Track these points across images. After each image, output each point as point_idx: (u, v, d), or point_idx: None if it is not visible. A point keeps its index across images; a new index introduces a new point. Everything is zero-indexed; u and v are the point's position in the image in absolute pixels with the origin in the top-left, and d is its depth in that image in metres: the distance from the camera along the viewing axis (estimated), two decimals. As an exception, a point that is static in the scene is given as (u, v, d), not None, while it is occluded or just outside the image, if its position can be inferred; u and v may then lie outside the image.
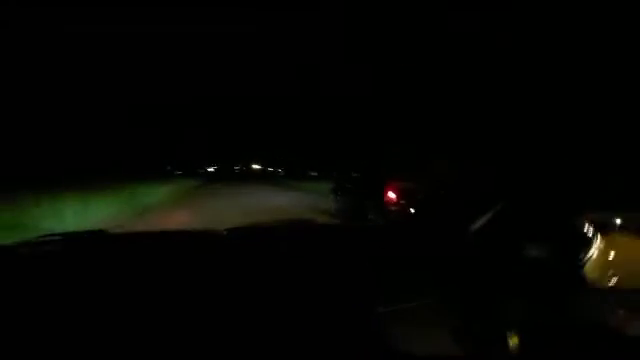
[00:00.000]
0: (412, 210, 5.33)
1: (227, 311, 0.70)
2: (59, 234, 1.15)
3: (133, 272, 0.90)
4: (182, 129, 45.35)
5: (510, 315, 0.75)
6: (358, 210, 6.53)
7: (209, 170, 61.06)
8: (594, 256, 1.00)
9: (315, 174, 35.51)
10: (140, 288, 0.79)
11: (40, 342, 0.59)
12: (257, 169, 64.28)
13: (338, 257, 1.05)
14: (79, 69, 20.61)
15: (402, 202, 5.51)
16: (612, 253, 1.09)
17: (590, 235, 1.07)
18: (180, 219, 7.45)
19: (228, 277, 0.87)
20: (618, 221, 1.51)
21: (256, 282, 0.83)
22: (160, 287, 0.80)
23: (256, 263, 0.97)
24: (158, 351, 0.58)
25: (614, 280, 1.00)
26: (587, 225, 1.10)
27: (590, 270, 0.98)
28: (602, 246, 1.03)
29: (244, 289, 0.80)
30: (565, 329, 0.72)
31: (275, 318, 0.68)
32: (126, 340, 0.61)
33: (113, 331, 0.63)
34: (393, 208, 5.60)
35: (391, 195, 5.66)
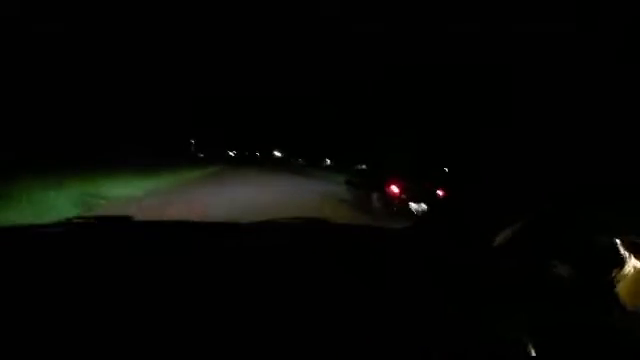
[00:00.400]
0: (414, 205, 6.13)
1: (239, 306, 0.71)
2: (88, 217, 1.20)
3: (155, 259, 0.92)
4: (210, 116, 47.05)
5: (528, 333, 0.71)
6: (365, 201, 7.39)
7: (230, 154, 63.61)
8: (628, 276, 0.96)
9: (331, 163, 36.35)
10: (160, 276, 0.81)
11: (64, 322, 0.62)
12: (278, 156, 65.10)
13: (349, 258, 1.06)
14: (125, 55, 21.98)
15: (403, 196, 6.35)
16: None
17: (624, 255, 1.03)
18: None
19: (243, 271, 0.89)
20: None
21: (269, 278, 0.85)
22: (179, 277, 0.81)
23: (271, 259, 1.00)
24: (177, 338, 0.59)
25: None
26: (621, 245, 1.07)
27: (623, 291, 0.94)
28: (637, 266, 1.00)
29: (258, 283, 0.81)
30: (593, 348, 0.71)
31: (282, 314, 0.69)
32: (147, 324, 0.63)
33: (134, 314, 0.65)
34: (395, 201, 6.39)
35: (394, 189, 6.43)
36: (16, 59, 13.97)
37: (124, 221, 1.23)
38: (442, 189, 6.35)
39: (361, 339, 0.62)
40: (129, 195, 7.50)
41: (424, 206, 6.15)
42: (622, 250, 1.02)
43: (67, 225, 1.14)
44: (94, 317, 0.62)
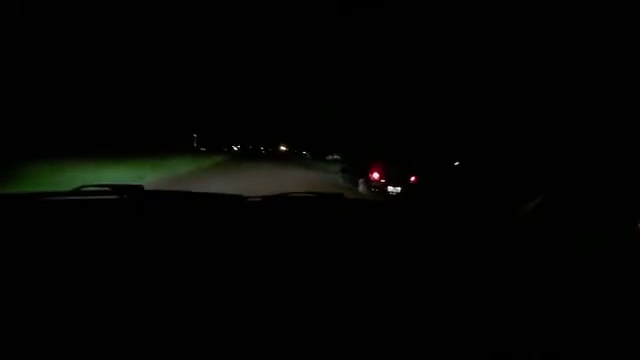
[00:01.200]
0: (391, 188, 7.68)
1: (254, 278, 0.71)
2: (100, 185, 1.23)
3: (168, 229, 0.94)
4: (213, 110, 46.91)
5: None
6: (354, 185, 9.03)
7: (234, 149, 62.97)
8: None
9: (336, 157, 37.72)
10: (173, 246, 0.83)
11: (73, 287, 0.63)
12: (284, 150, 65.73)
13: (367, 232, 1.08)
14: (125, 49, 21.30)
15: (383, 181, 8.00)
16: None
17: None
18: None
19: (259, 243, 0.90)
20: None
21: (285, 249, 0.86)
22: (192, 247, 0.83)
23: (289, 232, 1.02)
24: (185, 308, 0.60)
25: None
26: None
27: None
28: None
29: (274, 255, 0.82)
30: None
31: (298, 289, 0.69)
32: (154, 291, 0.64)
33: (143, 281, 0.67)
34: (376, 184, 7.98)
35: (375, 176, 8.04)
36: (15, 59, 13.79)
37: (136, 189, 1.24)
38: (415, 175, 8.19)
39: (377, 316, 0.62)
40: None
41: (399, 189, 7.77)
42: None
43: (79, 192, 1.16)
44: (103, 284, 0.64)
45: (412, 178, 7.96)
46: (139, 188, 1.26)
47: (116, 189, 1.22)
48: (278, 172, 14.26)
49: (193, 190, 1.36)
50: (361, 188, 8.46)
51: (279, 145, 69.17)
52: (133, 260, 0.73)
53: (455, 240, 1.05)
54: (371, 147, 10.87)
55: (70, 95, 17.10)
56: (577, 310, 0.70)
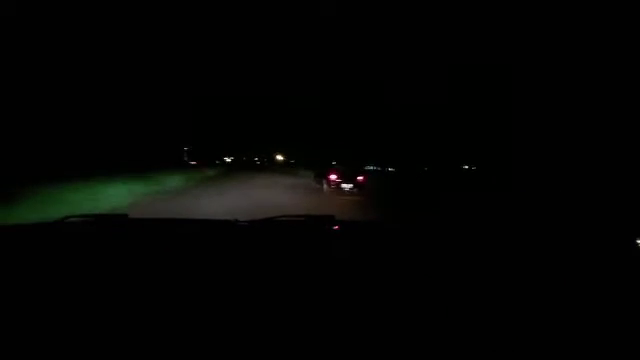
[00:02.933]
0: (346, 185, 11.32)
1: (240, 301, 0.73)
2: (84, 215, 1.26)
3: (154, 257, 0.96)
4: (204, 121, 47.31)
5: None
6: (320, 185, 12.91)
7: (227, 160, 63.49)
8: None
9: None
10: (159, 273, 0.84)
11: (58, 316, 0.64)
12: (281, 160, 66.77)
13: (359, 256, 1.09)
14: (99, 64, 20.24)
15: (338, 180, 11.67)
16: None
17: None
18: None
19: (245, 267, 0.92)
20: None
21: (271, 273, 0.89)
22: (178, 274, 0.84)
23: (274, 256, 1.03)
24: (172, 334, 0.60)
25: None
26: None
27: None
28: None
29: (260, 279, 0.84)
30: None
31: (284, 310, 0.71)
32: (142, 320, 0.64)
33: (131, 309, 0.67)
34: (333, 184, 11.76)
35: (332, 177, 11.86)
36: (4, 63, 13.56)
37: (120, 219, 1.28)
38: (363, 175, 12.06)
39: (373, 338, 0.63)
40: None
41: (351, 185, 11.49)
42: None
43: (63, 223, 1.19)
44: (88, 314, 0.65)
45: (360, 177, 11.80)
46: (123, 217, 1.30)
47: (100, 219, 1.27)
48: (271, 178, 17.86)
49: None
50: (324, 187, 12.11)
51: (275, 155, 69.92)
52: (119, 294, 0.73)
53: (443, 258, 1.10)
54: (329, 157, 15.34)
55: (61, 113, 17.02)
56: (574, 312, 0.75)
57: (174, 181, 13.15)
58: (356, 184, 11.54)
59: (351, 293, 0.80)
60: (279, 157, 68.62)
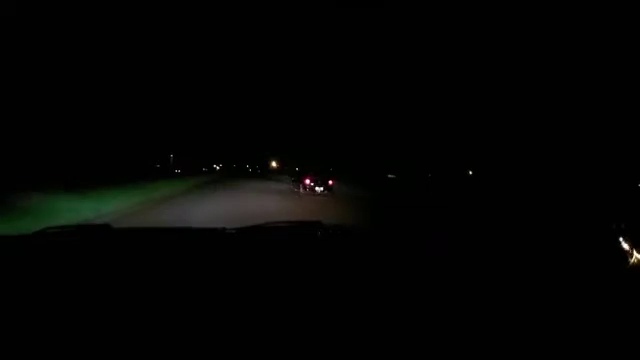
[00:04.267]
0: (317, 188, 13.96)
1: (229, 309, 0.74)
2: (67, 226, 1.26)
3: (137, 267, 0.97)
4: (195, 126, 46.50)
5: None
6: (298, 188, 15.51)
7: (216, 168, 62.31)
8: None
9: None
10: (143, 283, 0.85)
11: (43, 330, 0.64)
12: (275, 167, 66.36)
13: (347, 260, 1.14)
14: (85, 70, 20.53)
15: (312, 184, 14.37)
16: None
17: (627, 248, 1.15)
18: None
19: (234, 275, 0.94)
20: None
21: (260, 280, 0.90)
22: (164, 283, 0.86)
23: (264, 263, 1.06)
24: (156, 347, 0.61)
25: None
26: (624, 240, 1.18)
27: None
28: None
29: (249, 287, 0.86)
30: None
31: (275, 316, 0.72)
32: (127, 332, 0.65)
33: (115, 322, 0.67)
34: (308, 187, 14.54)
35: (307, 181, 14.66)
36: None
37: (102, 229, 1.28)
38: (332, 179, 14.95)
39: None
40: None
41: (322, 188, 14.24)
42: (624, 243, 1.16)
43: (44, 234, 1.19)
44: (68, 327, 0.65)
45: (329, 182, 14.87)
46: (106, 227, 1.29)
47: (81, 229, 1.28)
48: (256, 184, 20.23)
49: None
50: (300, 189, 14.72)
51: (270, 162, 68.44)
52: (99, 306, 0.73)
53: (421, 261, 1.15)
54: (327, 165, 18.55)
55: (48, 123, 17.39)
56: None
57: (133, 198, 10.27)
58: (326, 187, 14.73)
59: (341, 298, 0.82)
60: (274, 164, 67.87)
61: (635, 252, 1.16)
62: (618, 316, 0.81)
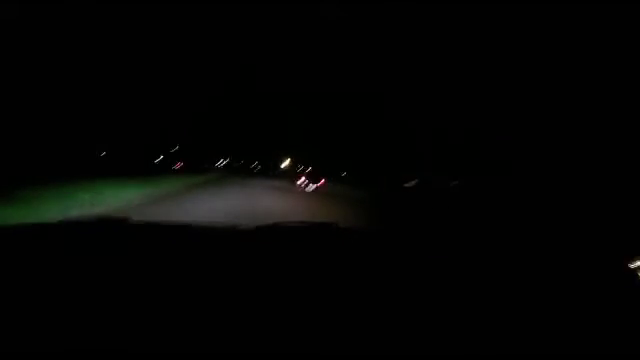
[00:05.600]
0: (310, 186, 15.30)
1: (242, 307, 0.76)
2: (83, 216, 1.31)
3: (154, 260, 1.00)
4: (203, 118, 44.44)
5: None
6: (293, 185, 17.66)
7: (220, 164, 58.61)
8: None
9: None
10: (160, 280, 0.87)
11: (49, 320, 0.66)
12: (288, 166, 62.65)
13: (362, 264, 1.16)
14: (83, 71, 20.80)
15: (305, 182, 17.00)
16: None
17: None
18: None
19: (251, 273, 0.97)
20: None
21: (278, 282, 0.92)
22: (180, 282, 0.87)
23: (280, 262, 1.09)
24: (174, 340, 0.63)
25: None
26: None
27: None
28: None
29: (266, 285, 0.89)
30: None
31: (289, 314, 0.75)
32: (142, 323, 0.68)
33: (130, 313, 0.70)
34: (302, 185, 17.07)
35: (300, 180, 17.73)
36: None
37: (121, 221, 1.33)
38: (323, 179, 16.87)
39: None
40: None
41: (313, 186, 16.29)
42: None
43: (62, 224, 1.23)
44: (88, 317, 0.68)
45: (321, 181, 17.19)
46: (124, 220, 1.33)
47: (100, 221, 1.30)
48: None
49: None
50: (295, 186, 16.87)
51: (284, 160, 62.76)
52: (118, 296, 0.76)
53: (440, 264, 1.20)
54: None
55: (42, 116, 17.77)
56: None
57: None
58: (317, 186, 16.95)
59: (355, 300, 0.85)
60: (286, 162, 63.70)
61: None
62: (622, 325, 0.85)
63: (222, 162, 64.00)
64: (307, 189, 16.25)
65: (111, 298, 0.75)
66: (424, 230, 7.63)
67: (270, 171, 65.11)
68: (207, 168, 38.11)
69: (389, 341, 0.70)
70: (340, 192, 17.09)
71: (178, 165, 33.20)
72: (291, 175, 21.98)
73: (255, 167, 68.57)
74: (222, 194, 11.41)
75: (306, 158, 61.97)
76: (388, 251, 1.41)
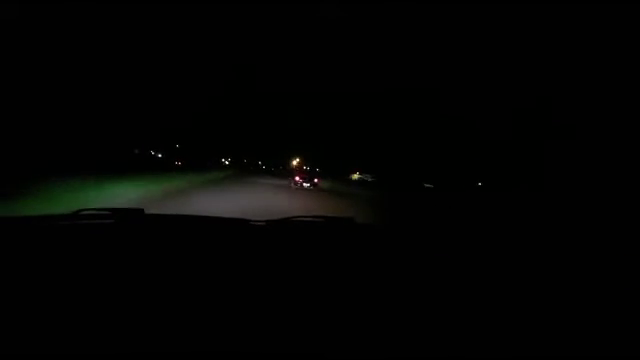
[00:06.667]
0: (305, 184, 17.34)
1: (256, 300, 0.79)
2: (99, 208, 1.32)
3: (169, 254, 1.02)
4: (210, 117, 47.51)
5: None
6: (291, 183, 19.71)
7: (225, 163, 59.34)
8: None
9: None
10: (174, 271, 0.90)
11: (72, 311, 0.69)
12: (297, 166, 58.38)
13: (379, 256, 1.19)
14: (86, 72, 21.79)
15: (301, 181, 19.14)
16: None
17: None
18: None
19: (266, 266, 1.00)
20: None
21: (291, 276, 0.95)
22: (194, 273, 0.90)
23: (291, 256, 1.11)
24: (189, 332, 0.66)
25: None
26: None
27: None
28: None
29: (279, 282, 0.91)
30: None
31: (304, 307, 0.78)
32: (155, 315, 0.70)
33: (145, 303, 0.74)
34: (297, 183, 19.17)
35: (297, 178, 19.56)
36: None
37: (136, 213, 1.37)
38: (317, 178, 20.14)
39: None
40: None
41: (309, 184, 18.82)
42: None
43: (78, 215, 1.27)
44: (101, 307, 0.70)
45: (316, 180, 19.59)
46: (139, 211, 1.37)
47: (116, 213, 1.33)
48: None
49: None
50: (292, 185, 18.70)
51: (292, 160, 65.46)
52: (133, 286, 0.79)
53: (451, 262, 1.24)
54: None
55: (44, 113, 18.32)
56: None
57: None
58: (313, 184, 19.25)
59: (370, 296, 0.86)
60: (295, 163, 64.73)
61: None
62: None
63: (225, 161, 65.27)
64: (305, 186, 18.66)
65: (128, 288, 0.78)
66: (438, 228, 8.03)
67: (272, 169, 66.93)
68: (209, 166, 38.13)
69: (409, 338, 0.72)
70: (346, 191, 19.07)
71: (177, 163, 32.93)
72: (291, 174, 24.42)
73: (259, 166, 69.65)
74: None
75: (310, 158, 64.55)
76: (406, 248, 1.44)
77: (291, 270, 0.99)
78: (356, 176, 47.32)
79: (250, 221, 1.45)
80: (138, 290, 0.78)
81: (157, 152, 38.47)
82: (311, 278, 0.95)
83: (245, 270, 0.95)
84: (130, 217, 1.35)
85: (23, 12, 16.76)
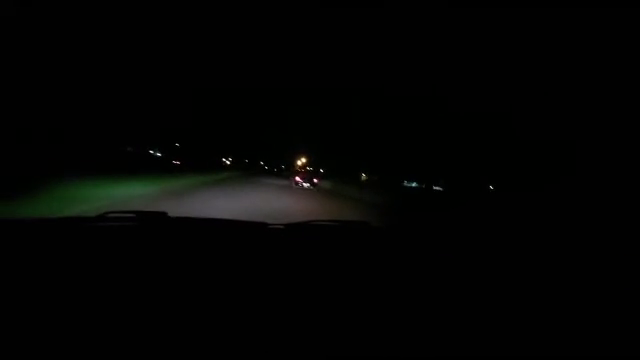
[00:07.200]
0: (305, 184, 18.67)
1: (279, 301, 0.81)
2: (125, 211, 1.37)
3: (192, 256, 1.06)
4: (208, 115, 45.06)
5: None
6: (291, 183, 20.99)
7: (226, 163, 57.90)
8: None
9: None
10: (197, 273, 0.93)
11: (97, 311, 0.71)
12: (302, 166, 63.41)
13: (394, 265, 1.20)
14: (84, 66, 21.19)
15: (301, 181, 20.51)
16: None
17: None
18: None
19: (281, 270, 1.02)
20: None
21: (310, 279, 0.98)
22: (216, 275, 0.93)
23: (313, 260, 1.14)
24: (209, 332, 0.68)
25: None
26: None
27: None
28: None
29: (299, 285, 0.93)
30: None
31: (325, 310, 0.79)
32: (179, 314, 0.73)
33: (167, 303, 0.76)
34: (298, 183, 20.45)
35: (297, 178, 21.06)
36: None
37: (159, 216, 1.41)
38: (317, 178, 22.06)
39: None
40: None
41: (309, 184, 19.97)
42: None
43: (104, 217, 1.30)
44: (129, 308, 0.73)
45: (315, 180, 20.63)
46: (163, 214, 1.42)
47: (141, 215, 1.38)
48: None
49: None
50: (293, 185, 19.84)
51: (297, 160, 64.49)
52: (158, 288, 0.82)
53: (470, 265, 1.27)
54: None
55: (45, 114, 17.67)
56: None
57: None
58: (312, 184, 20.19)
59: (388, 300, 0.88)
60: (300, 163, 64.71)
61: None
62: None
63: (226, 161, 64.15)
64: (304, 186, 19.84)
65: (153, 290, 0.81)
66: (450, 230, 8.16)
67: (275, 169, 66.76)
68: (208, 167, 35.97)
69: (428, 341, 0.74)
70: (346, 193, 19.87)
71: (177, 162, 32.34)
72: (293, 174, 25.33)
73: (262, 166, 69.53)
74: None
75: (317, 157, 62.49)
76: (421, 252, 1.47)
77: (311, 274, 1.04)
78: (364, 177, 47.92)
79: (269, 224, 1.51)
80: (162, 292, 0.81)
81: (156, 151, 38.57)
82: (331, 282, 0.99)
83: (267, 273, 1.00)
84: (154, 220, 1.41)
85: (21, 10, 16.58)
